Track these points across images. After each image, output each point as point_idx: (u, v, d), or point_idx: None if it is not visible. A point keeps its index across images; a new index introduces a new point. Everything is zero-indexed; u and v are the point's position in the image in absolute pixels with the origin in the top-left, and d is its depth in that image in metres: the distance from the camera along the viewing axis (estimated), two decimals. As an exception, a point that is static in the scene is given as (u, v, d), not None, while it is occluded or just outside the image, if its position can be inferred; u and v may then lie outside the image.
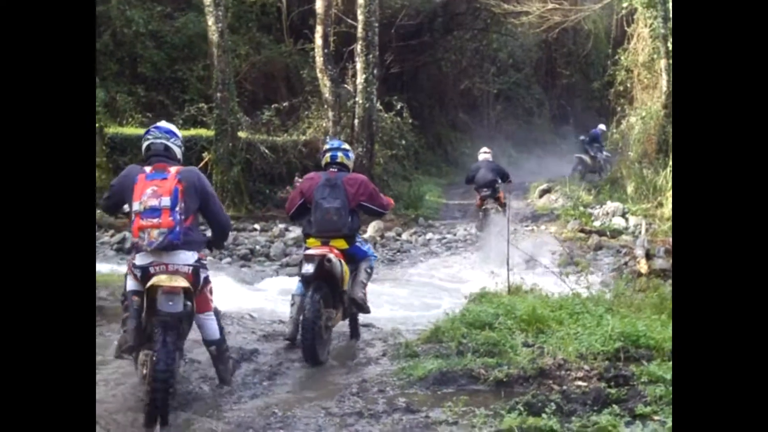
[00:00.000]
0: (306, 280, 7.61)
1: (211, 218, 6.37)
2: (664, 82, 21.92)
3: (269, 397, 6.46)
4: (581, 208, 20.09)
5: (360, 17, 21.11)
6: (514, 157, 30.87)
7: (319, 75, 21.63)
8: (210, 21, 20.24)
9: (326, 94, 21.35)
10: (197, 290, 6.09)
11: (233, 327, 9.08)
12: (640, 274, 13.11)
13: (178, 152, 6.43)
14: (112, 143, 20.23)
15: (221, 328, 6.59)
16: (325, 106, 21.64)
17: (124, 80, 23.95)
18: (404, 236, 18.52)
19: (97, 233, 17.49)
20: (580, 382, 6.18)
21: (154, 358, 5.65)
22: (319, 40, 21.45)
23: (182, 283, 5.83)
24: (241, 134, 20.87)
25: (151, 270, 5.90)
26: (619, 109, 25.65)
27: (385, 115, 24.10)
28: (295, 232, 17.93)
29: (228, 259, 15.81)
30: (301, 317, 7.50)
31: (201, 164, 19.72)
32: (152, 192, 5.87)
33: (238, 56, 24.32)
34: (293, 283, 12.02)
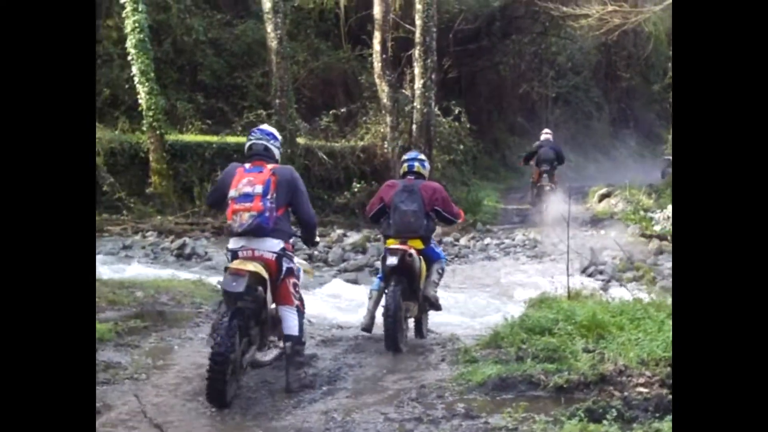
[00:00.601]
0: (389, 272, 8.25)
1: (299, 213, 6.87)
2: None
3: (328, 402, 6.48)
4: (641, 213, 19.87)
5: (418, 22, 21.13)
6: (573, 162, 30.59)
7: (377, 80, 21.69)
8: (269, 28, 20.42)
9: (384, 99, 21.39)
10: (278, 279, 6.59)
11: (292, 332, 9.13)
12: (701, 279, 12.93)
13: (277, 153, 7.10)
14: (173, 150, 20.49)
15: (301, 327, 6.79)
16: (383, 112, 21.67)
17: (184, 88, 24.25)
18: (462, 241, 18.47)
19: (157, 239, 17.72)
20: (641, 389, 6.10)
21: (215, 339, 6.02)
22: (377, 46, 21.51)
23: (251, 267, 6.27)
24: (300, 140, 21.00)
25: (240, 254, 6.49)
26: (679, 111, 25.32)
27: (443, 120, 24.09)
28: (353, 237, 17.99)
29: (288, 265, 15.89)
30: (381, 309, 8.17)
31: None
32: (247, 181, 6.50)
33: (297, 63, 24.49)
34: (352, 289, 12.13)
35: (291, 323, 6.69)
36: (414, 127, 21.06)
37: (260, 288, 6.43)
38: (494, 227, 20.67)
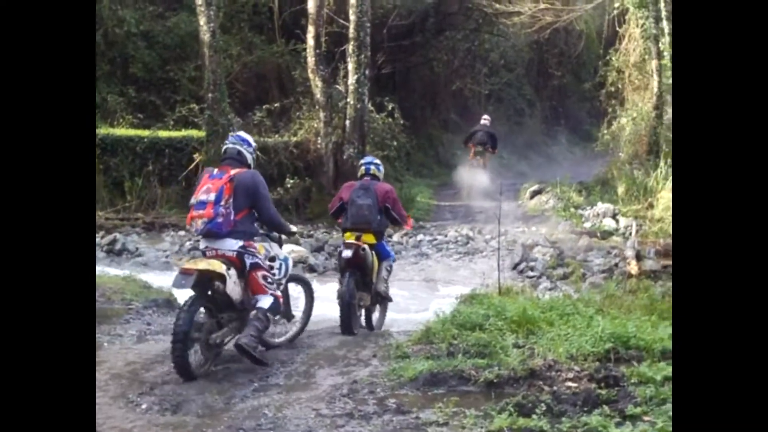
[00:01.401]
0: (344, 264, 9.35)
1: (260, 215, 7.67)
2: (655, 83, 21.95)
3: (260, 399, 6.46)
4: (572, 210, 20.12)
5: (352, 17, 21.09)
6: (505, 159, 30.80)
7: (311, 75, 21.59)
8: (202, 21, 20.21)
9: (318, 94, 21.31)
10: (245, 272, 7.43)
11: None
12: (630, 276, 13.17)
13: (249, 158, 7.83)
14: (103, 144, 20.17)
15: (273, 309, 7.60)
16: (317, 107, 21.58)
17: (116, 81, 23.89)
18: (395, 237, 18.51)
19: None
20: (570, 383, 6.20)
21: (176, 319, 6.98)
22: (310, 41, 21.42)
23: (202, 266, 7.09)
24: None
25: (207, 253, 7.37)
26: (610, 110, 25.63)
27: (377, 116, 24.07)
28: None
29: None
30: (339, 295, 9.23)
31: (192, 165, 19.70)
32: (206, 189, 7.31)
33: (230, 56, 24.27)
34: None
35: (263, 301, 7.51)
36: (347, 122, 21.02)
37: (217, 282, 7.15)
38: (427, 224, 20.72)
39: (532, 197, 23.32)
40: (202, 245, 7.46)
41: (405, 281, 14.54)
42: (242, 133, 8.12)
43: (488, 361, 6.84)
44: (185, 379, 6.88)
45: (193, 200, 7.34)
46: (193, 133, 21.10)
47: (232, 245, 7.32)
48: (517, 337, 7.62)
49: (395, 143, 25.04)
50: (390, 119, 24.73)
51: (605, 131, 25.34)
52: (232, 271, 7.27)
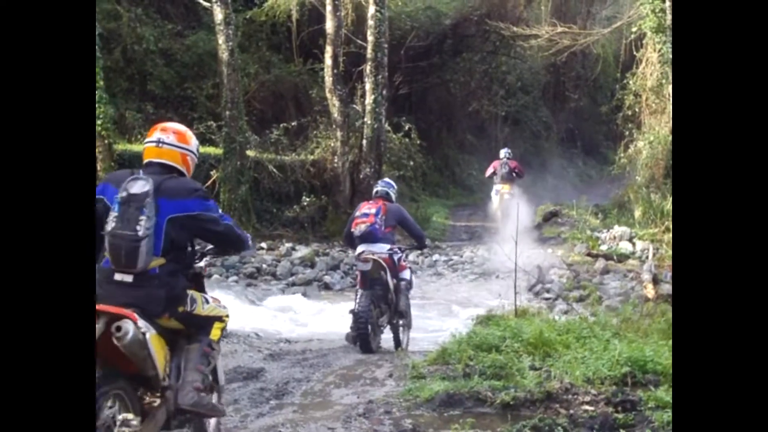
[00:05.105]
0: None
1: (408, 231, 10.57)
2: (671, 107, 21.90)
3: (276, 417, 6.46)
4: (588, 232, 20.05)
5: (370, 38, 21.17)
6: (521, 180, 30.80)
7: (328, 95, 21.65)
8: (220, 40, 20.31)
9: (335, 114, 21.37)
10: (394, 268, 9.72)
11: (239, 346, 9.12)
12: (647, 299, 13.09)
13: (393, 196, 10.29)
14: (121, 160, 20.23)
15: (410, 281, 10.29)
16: (334, 126, 21.63)
17: (134, 97, 23.99)
18: (411, 257, 18.47)
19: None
20: (587, 407, 6.17)
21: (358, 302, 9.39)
22: (328, 60, 21.49)
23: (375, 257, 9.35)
24: (250, 153, 20.88)
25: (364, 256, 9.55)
26: (626, 133, 25.57)
27: (394, 135, 24.13)
28: (302, 251, 17.93)
29: (234, 278, 15.78)
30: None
31: (209, 182, 19.75)
32: (367, 207, 9.87)
33: (248, 75, 24.36)
34: (300, 302, 12.16)
35: (406, 275, 10.33)
36: (364, 142, 21.06)
37: (381, 272, 9.43)
38: (443, 243, 20.73)
39: (548, 219, 23.28)
40: (359, 250, 9.57)
41: (420, 301, 14.51)
42: (388, 179, 11.16)
43: (504, 382, 6.82)
44: (366, 352, 8.91)
45: (357, 213, 9.85)
46: (211, 150, 21.14)
47: (383, 248, 9.53)
48: (533, 359, 7.59)
49: (411, 163, 25.09)
50: (407, 139, 24.78)
51: (622, 154, 25.26)
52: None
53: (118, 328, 4.44)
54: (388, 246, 9.70)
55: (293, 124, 22.72)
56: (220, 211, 5.34)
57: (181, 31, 25.84)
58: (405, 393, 6.87)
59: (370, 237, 9.59)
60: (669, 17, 21.13)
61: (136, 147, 21.00)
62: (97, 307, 4.42)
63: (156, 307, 4.83)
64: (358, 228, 9.65)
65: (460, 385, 6.77)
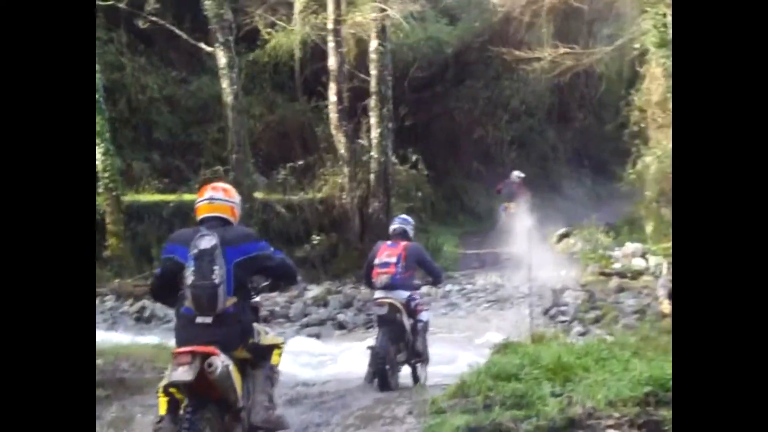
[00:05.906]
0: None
1: (428, 271, 10.39)
2: (672, 122, 21.85)
3: (297, 462, 6.40)
4: (600, 251, 19.98)
5: (373, 72, 21.25)
6: (530, 203, 30.74)
7: (334, 131, 21.71)
8: (224, 83, 20.43)
9: (341, 150, 21.41)
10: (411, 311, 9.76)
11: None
12: (663, 315, 13.02)
13: (411, 234, 10.22)
14: (129, 211, 20.28)
15: (427, 321, 10.26)
16: (341, 163, 21.66)
17: (140, 147, 24.08)
18: (423, 289, 18.38)
19: (116, 303, 17.42)
20: (611, 431, 6.10)
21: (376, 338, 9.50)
22: (332, 97, 21.58)
23: (389, 302, 9.48)
24: (257, 195, 20.92)
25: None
26: (633, 149, 25.55)
27: (401, 167, 24.11)
28: (315, 291, 17.88)
29: (248, 324, 15.68)
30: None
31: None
32: (387, 254, 9.69)
33: (253, 116, 24.43)
34: (315, 344, 12.14)
35: (423, 315, 10.24)
36: (372, 176, 21.09)
37: (397, 314, 9.46)
38: (455, 273, 20.64)
39: (559, 241, 23.22)
40: (377, 295, 9.65)
41: (435, 333, 14.43)
42: (405, 215, 11.03)
43: (526, 412, 6.74)
44: (385, 390, 8.91)
45: (377, 260, 9.65)
46: (218, 194, 21.13)
47: (402, 295, 9.55)
48: (553, 385, 7.51)
49: (420, 194, 25.06)
50: (414, 171, 24.77)
51: (630, 170, 25.23)
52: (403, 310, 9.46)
53: (210, 365, 5.30)
54: (407, 293, 9.74)
55: (300, 163, 22.73)
56: (271, 248, 6.15)
57: (185, 77, 25.98)
58: (426, 430, 6.81)
59: (390, 287, 9.65)
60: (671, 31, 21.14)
61: (143, 197, 21.04)
62: (190, 348, 5.41)
63: (233, 341, 5.68)
64: (379, 279, 9.68)
65: (481, 418, 6.69)
